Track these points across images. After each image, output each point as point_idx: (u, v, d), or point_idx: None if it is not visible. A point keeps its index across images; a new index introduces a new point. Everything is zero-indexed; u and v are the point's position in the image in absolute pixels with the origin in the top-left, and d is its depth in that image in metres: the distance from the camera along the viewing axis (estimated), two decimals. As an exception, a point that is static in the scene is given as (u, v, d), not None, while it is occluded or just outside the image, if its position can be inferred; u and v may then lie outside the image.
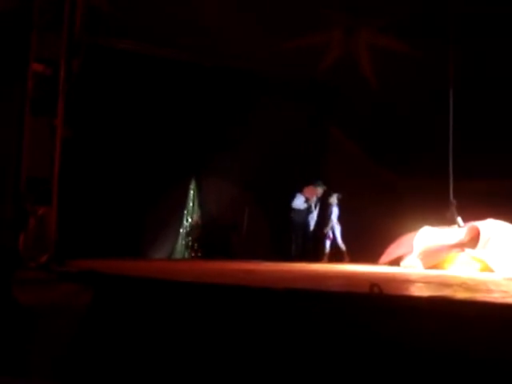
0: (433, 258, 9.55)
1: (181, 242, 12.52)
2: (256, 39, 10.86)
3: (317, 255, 12.01)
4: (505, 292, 5.31)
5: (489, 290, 5.54)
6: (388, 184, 12.97)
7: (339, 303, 3.96)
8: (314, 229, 12.27)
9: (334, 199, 12.05)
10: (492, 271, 8.58)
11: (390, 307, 3.78)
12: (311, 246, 12.26)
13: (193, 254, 12.60)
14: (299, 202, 12.08)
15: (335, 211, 12.03)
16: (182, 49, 11.18)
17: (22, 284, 5.40)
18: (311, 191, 12.20)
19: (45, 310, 4.98)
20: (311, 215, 12.17)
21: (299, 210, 12.05)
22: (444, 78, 10.83)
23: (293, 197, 12.12)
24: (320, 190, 12.17)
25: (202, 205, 12.68)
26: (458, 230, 9.86)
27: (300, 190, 12.17)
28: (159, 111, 11.34)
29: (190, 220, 12.75)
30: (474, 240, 9.33)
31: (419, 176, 12.10)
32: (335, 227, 12.02)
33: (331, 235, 12.00)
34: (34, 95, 6.26)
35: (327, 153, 13.39)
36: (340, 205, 12.04)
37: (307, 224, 12.10)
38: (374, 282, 3.99)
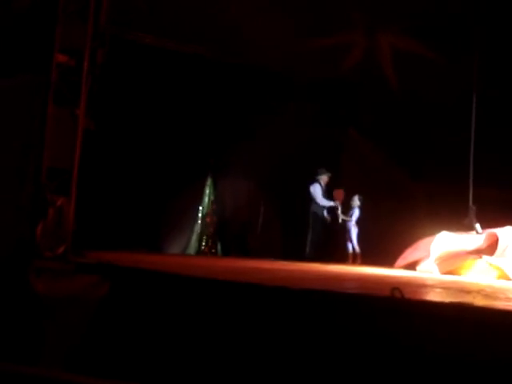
0: (450, 263, 9.47)
1: (196, 237, 12.53)
2: (279, 39, 10.83)
3: (331, 255, 11.94)
4: (524, 301, 5.25)
5: (507, 298, 5.48)
6: (405, 187, 12.89)
7: (358, 305, 3.93)
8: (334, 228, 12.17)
9: (355, 201, 11.97)
10: (509, 279, 8.50)
11: (410, 311, 3.74)
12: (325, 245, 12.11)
13: (207, 251, 12.60)
14: (325, 200, 11.91)
15: (356, 213, 11.96)
16: (204, 45, 11.18)
17: (39, 273, 5.42)
18: (339, 194, 12.09)
19: (61, 299, 5.00)
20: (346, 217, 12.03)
21: (323, 206, 11.93)
22: (467, 83, 10.76)
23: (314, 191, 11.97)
24: (325, 178, 11.94)
25: (217, 201, 12.68)
26: (476, 237, 9.78)
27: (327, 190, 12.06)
28: (179, 106, 11.36)
29: (205, 216, 12.76)
30: (491, 247, 9.25)
31: (437, 181, 12.03)
32: (352, 229, 11.95)
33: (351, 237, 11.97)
34: (58, 85, 6.27)
35: (344, 153, 13.33)
36: (362, 207, 11.97)
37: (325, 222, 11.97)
38: (395, 286, 3.95)
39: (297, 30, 10.82)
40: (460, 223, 10.16)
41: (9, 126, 6.30)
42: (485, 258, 9.13)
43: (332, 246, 12.43)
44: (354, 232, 11.95)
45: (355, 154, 13.24)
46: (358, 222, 11.98)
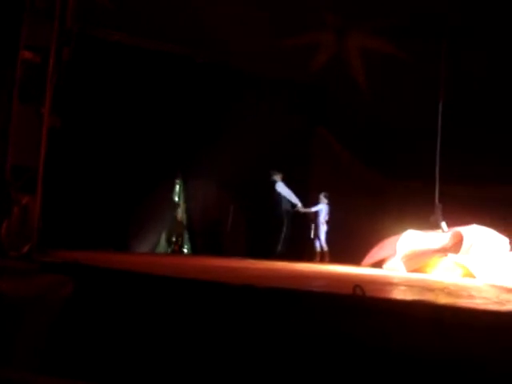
0: (416, 261, 9.59)
1: (165, 236, 12.48)
2: (247, 38, 10.83)
3: (300, 253, 12.01)
4: (486, 298, 5.34)
5: (470, 296, 5.56)
6: (374, 186, 13.01)
7: (321, 303, 3.96)
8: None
9: (322, 199, 12.03)
10: (474, 277, 8.62)
11: (372, 309, 3.79)
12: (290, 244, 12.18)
13: (176, 249, 12.56)
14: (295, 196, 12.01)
15: (323, 210, 12.02)
16: (173, 42, 11.13)
17: (3, 273, 5.36)
18: None
19: (26, 299, 4.94)
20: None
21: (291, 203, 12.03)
22: (434, 82, 10.89)
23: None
24: (280, 176, 12.05)
25: (187, 200, 12.64)
26: (442, 235, 9.92)
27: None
28: (148, 105, 11.28)
29: (175, 215, 12.71)
30: (457, 245, 9.39)
31: (405, 179, 12.16)
32: (321, 227, 12.02)
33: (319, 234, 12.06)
34: (23, 82, 6.21)
35: (314, 153, 13.39)
36: (329, 204, 12.04)
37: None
38: (357, 284, 3.99)
39: (266, 28, 10.84)
40: (426, 221, 10.29)
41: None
42: (450, 256, 9.26)
43: (302, 243, 12.48)
44: (322, 230, 12.01)
45: (324, 153, 13.32)
46: (328, 221, 12.04)
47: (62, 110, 6.92)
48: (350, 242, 11.23)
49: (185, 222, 12.68)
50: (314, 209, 12.09)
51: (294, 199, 11.99)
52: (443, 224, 10.04)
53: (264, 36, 10.86)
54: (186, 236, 12.67)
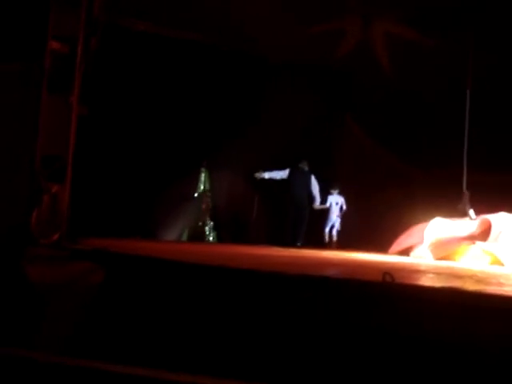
0: (443, 249, 9.53)
1: (191, 224, 12.57)
2: (273, 25, 10.81)
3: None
4: (515, 285, 5.31)
5: (499, 283, 5.53)
6: (400, 174, 12.93)
7: (351, 290, 3.97)
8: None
9: (332, 192, 12.40)
10: (502, 265, 8.56)
11: (401, 296, 3.78)
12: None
13: (202, 238, 12.65)
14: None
15: (335, 204, 12.38)
16: (198, 31, 11.14)
17: (34, 261, 5.44)
18: None
19: (56, 286, 5.02)
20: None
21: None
22: (462, 69, 10.77)
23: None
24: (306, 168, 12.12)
25: (212, 189, 12.71)
26: (470, 223, 9.84)
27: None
28: (173, 94, 11.34)
29: (200, 203, 12.79)
30: (485, 233, 9.30)
31: (432, 166, 12.07)
32: (337, 219, 12.40)
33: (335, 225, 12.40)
34: (51, 73, 6.26)
35: (341, 140, 13.34)
36: (343, 195, 12.39)
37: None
38: (387, 271, 3.99)
39: (291, 16, 10.79)
40: (454, 209, 10.21)
41: (2, 113, 6.29)
42: (478, 243, 9.19)
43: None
44: (331, 221, 12.40)
45: (351, 140, 13.27)
46: (343, 214, 12.43)
47: (89, 99, 6.97)
48: (377, 229, 11.21)
49: (210, 210, 12.75)
50: (327, 204, 12.37)
51: (317, 197, 12.07)
52: (471, 211, 9.96)
53: (289, 23, 10.82)
54: (212, 225, 12.74)
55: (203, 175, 12.74)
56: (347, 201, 12.43)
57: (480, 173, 10.69)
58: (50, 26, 6.33)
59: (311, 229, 12.26)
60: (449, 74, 11.20)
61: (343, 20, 11.94)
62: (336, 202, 12.40)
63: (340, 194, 12.44)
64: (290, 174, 11.96)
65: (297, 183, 11.92)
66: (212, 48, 11.63)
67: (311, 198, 12.06)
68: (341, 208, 12.44)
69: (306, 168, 12.06)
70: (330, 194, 12.38)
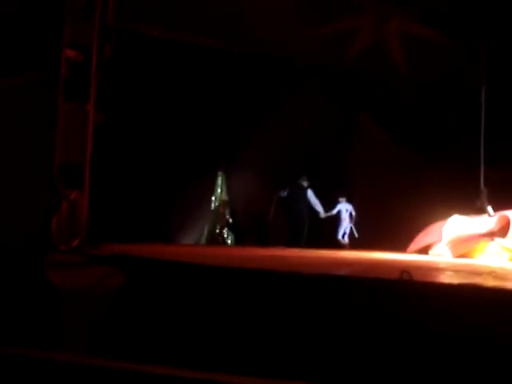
0: (462, 246, 9.48)
1: (209, 228, 12.61)
2: (286, 26, 10.83)
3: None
4: (535, 281, 5.28)
5: (519, 279, 5.51)
6: (417, 172, 12.88)
7: (369, 289, 3.98)
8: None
9: (340, 200, 12.75)
10: (522, 261, 8.51)
11: (419, 294, 3.79)
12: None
13: (220, 240, 12.69)
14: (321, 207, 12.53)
15: (343, 210, 12.72)
16: (212, 36, 11.19)
17: (55, 266, 5.51)
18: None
19: (77, 291, 5.08)
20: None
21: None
22: (477, 65, 10.73)
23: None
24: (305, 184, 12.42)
25: (229, 192, 12.75)
26: (488, 219, 9.77)
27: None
28: (189, 98, 11.39)
29: (218, 206, 12.83)
30: (504, 229, 9.23)
31: (449, 164, 12.00)
32: (342, 224, 12.74)
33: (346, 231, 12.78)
34: (67, 81, 6.35)
35: (355, 139, 13.33)
36: (352, 203, 12.74)
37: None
38: (404, 269, 4.00)
39: (304, 16, 10.81)
40: (472, 206, 10.16)
41: (21, 122, 6.38)
42: (497, 240, 9.13)
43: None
44: (343, 227, 12.75)
45: (366, 139, 13.24)
46: (354, 220, 12.77)
47: (105, 107, 7.05)
48: (395, 228, 11.16)
49: (228, 213, 12.79)
50: (334, 211, 12.71)
51: (318, 208, 12.45)
52: (489, 208, 9.90)
53: (301, 23, 10.84)
54: (230, 227, 12.78)
55: (220, 178, 12.79)
56: (363, 201, 12.55)
57: (497, 170, 10.63)
58: (64, 35, 6.43)
59: (324, 236, 12.65)
60: (463, 70, 11.15)
61: (355, 19, 11.93)
62: (346, 208, 12.79)
63: (348, 201, 12.82)
64: (290, 191, 12.40)
65: (294, 199, 12.40)
66: (225, 52, 11.66)
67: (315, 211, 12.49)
68: (350, 215, 12.78)
69: (305, 183, 12.42)
70: (339, 202, 12.76)
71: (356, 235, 12.73)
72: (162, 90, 11.06)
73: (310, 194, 12.40)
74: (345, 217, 12.73)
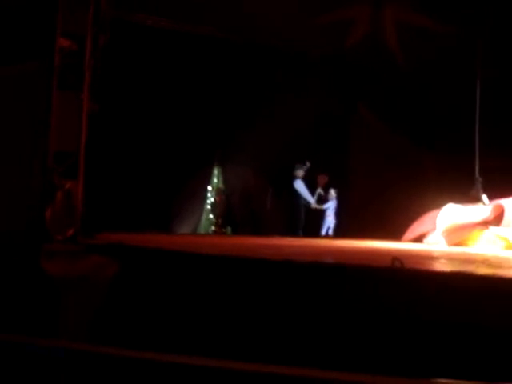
0: (457, 235, 9.51)
1: (205, 217, 12.61)
2: (282, 16, 10.78)
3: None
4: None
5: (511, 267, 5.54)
6: (413, 161, 12.89)
7: (361, 276, 4.00)
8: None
9: (332, 194, 12.60)
10: (516, 249, 8.54)
11: (410, 281, 3.81)
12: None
13: (217, 230, 12.69)
14: (309, 195, 12.52)
15: (333, 205, 12.60)
16: (208, 25, 11.14)
17: (50, 256, 5.54)
18: (322, 179, 12.86)
19: (72, 280, 5.11)
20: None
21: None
22: (473, 54, 10.72)
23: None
24: (301, 172, 12.40)
25: (226, 182, 12.74)
26: (483, 208, 9.80)
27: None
28: (185, 89, 11.35)
29: (214, 196, 12.83)
30: (498, 218, 9.27)
31: (444, 153, 12.02)
32: (331, 222, 12.58)
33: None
34: (61, 70, 6.34)
35: (353, 128, 13.31)
36: (338, 199, 12.62)
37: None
38: (395, 256, 4.02)
39: (300, 5, 10.76)
40: (467, 195, 10.18)
41: (16, 112, 6.38)
42: (492, 228, 9.17)
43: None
44: (328, 223, 12.59)
45: (364, 128, 13.23)
46: (337, 214, 12.60)
47: (100, 96, 7.03)
48: (390, 217, 11.17)
49: (224, 203, 12.79)
50: (325, 206, 12.65)
51: (308, 197, 12.45)
52: (484, 197, 9.93)
53: (299, 13, 10.79)
54: (226, 216, 12.78)
55: (216, 169, 12.78)
56: (360, 191, 12.52)
57: (492, 158, 10.64)
58: (58, 24, 6.40)
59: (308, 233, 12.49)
60: (461, 60, 11.13)
61: (352, 8, 11.89)
62: (334, 206, 12.68)
63: (337, 197, 12.72)
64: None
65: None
66: (222, 40, 11.60)
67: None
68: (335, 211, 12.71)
69: (301, 172, 12.42)
70: (331, 197, 12.67)
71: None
72: (158, 80, 11.00)
73: (299, 184, 12.41)
74: (330, 213, 12.69)
